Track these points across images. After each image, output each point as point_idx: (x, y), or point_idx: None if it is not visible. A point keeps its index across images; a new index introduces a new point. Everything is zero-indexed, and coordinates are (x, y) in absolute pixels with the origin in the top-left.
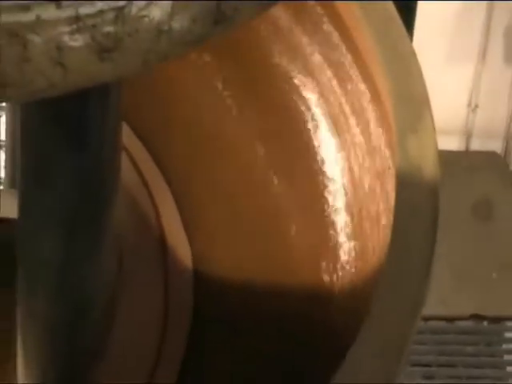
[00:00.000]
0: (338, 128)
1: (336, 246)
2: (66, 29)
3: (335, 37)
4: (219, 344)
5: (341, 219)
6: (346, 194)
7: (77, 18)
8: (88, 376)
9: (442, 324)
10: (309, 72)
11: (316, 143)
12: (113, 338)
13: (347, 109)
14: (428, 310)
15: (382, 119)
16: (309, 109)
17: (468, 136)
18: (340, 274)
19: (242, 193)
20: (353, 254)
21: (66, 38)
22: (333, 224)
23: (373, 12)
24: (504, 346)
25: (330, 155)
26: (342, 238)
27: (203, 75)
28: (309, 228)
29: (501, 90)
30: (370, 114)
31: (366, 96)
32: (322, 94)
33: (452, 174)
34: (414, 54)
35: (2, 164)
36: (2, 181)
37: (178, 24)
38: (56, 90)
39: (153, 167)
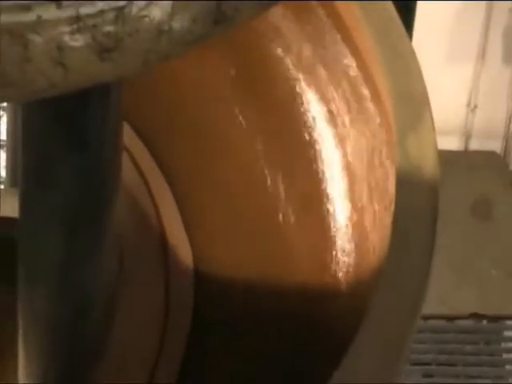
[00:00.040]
0: (338, 128)
1: (336, 246)
2: (67, 29)
3: (335, 37)
4: (219, 344)
5: (341, 219)
6: (346, 193)
7: (77, 18)
8: (88, 376)
9: (442, 323)
10: (309, 72)
11: (316, 143)
12: (113, 337)
13: (347, 108)
14: (428, 309)
15: (382, 119)
16: (309, 109)
17: (467, 136)
18: (340, 273)
19: (242, 193)
20: (352, 253)
21: (66, 38)
22: (333, 224)
23: (373, 12)
24: (503, 345)
25: (330, 155)
26: (341, 237)
27: (204, 75)
28: (309, 228)
29: (500, 90)
30: (370, 113)
31: (366, 96)
32: (322, 94)
33: (451, 174)
34: (413, 53)
35: (3, 164)
36: (3, 180)
37: (178, 24)
38: (57, 90)
39: (154, 167)
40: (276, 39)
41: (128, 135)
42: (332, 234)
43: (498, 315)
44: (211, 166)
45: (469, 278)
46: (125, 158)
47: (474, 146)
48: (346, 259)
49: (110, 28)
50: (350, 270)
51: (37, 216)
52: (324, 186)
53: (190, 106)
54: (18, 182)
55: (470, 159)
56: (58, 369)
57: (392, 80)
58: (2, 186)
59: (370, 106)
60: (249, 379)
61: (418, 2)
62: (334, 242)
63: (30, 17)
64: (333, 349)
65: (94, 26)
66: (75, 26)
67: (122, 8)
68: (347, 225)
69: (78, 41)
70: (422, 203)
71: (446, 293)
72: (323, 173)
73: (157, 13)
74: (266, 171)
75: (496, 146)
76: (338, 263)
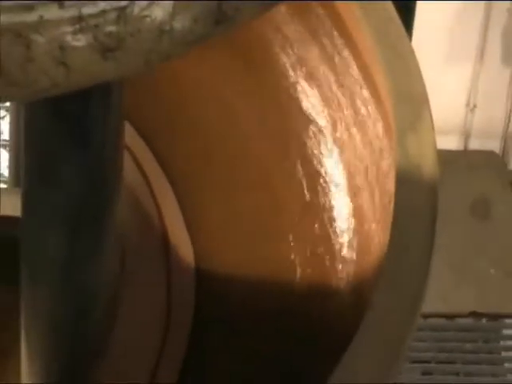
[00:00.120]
0: (338, 127)
1: (335, 244)
2: (69, 29)
3: (335, 37)
4: (219, 342)
5: (340, 218)
6: (346, 192)
7: (79, 18)
8: (90, 376)
9: (442, 321)
10: (309, 72)
11: (316, 143)
12: (114, 337)
13: (347, 108)
14: (427, 307)
15: (382, 118)
16: (309, 109)
17: (466, 135)
18: (339, 272)
19: (242, 192)
20: (352, 252)
21: (68, 38)
22: (332, 222)
23: (372, 12)
24: (502, 343)
25: (330, 155)
26: (340, 236)
27: (205, 75)
28: (308, 227)
29: (499, 90)
30: (370, 113)
31: (366, 95)
32: (323, 94)
33: (451, 173)
34: (413, 53)
35: (6, 163)
36: (6, 179)
37: (179, 24)
38: (59, 90)
39: (156, 167)
40: (276, 39)
41: (130, 135)
42: (331, 232)
43: (497, 313)
44: (212, 166)
45: (468, 277)
46: (127, 157)
47: (473, 145)
48: (345, 258)
49: (111, 28)
50: (349, 268)
51: (39, 215)
52: (324, 184)
53: (191, 105)
54: (21, 181)
55: (469, 159)
56: (61, 368)
57: (392, 80)
58: (5, 186)
59: (370, 105)
60: (248, 378)
61: (418, 2)
62: (334, 241)
63: (32, 17)
64: (332, 347)
65: (96, 25)
66: (77, 26)
67: (123, 8)
68: (347, 223)
69: (80, 41)
70: (421, 202)
71: (446, 291)
72: (323, 172)
73: (158, 13)
74: (267, 171)
75: (495, 145)
76: (337, 262)
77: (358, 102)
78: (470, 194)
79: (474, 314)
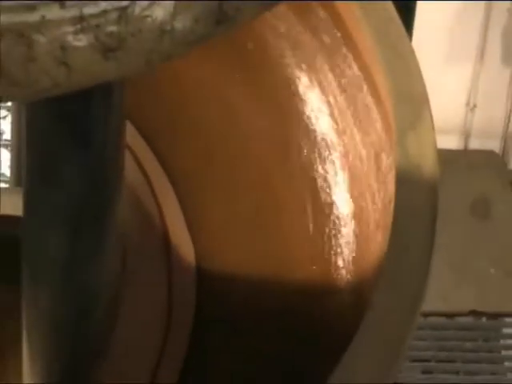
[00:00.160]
0: (339, 127)
1: (335, 244)
2: (70, 29)
3: (335, 37)
4: (220, 342)
5: (340, 217)
6: (346, 191)
7: (81, 18)
8: (91, 376)
9: (442, 320)
10: (310, 72)
11: (317, 143)
12: (116, 337)
13: (347, 108)
14: (428, 306)
15: (382, 118)
16: (310, 109)
17: (466, 135)
18: (339, 271)
19: (243, 192)
20: (352, 251)
21: (70, 38)
22: (332, 222)
23: (373, 12)
24: (502, 342)
25: (331, 155)
26: (341, 236)
27: (206, 75)
28: (309, 226)
29: (499, 90)
30: (370, 113)
31: (366, 95)
32: (323, 94)
33: (451, 173)
34: (413, 53)
35: (8, 163)
36: (8, 179)
37: (180, 24)
38: (60, 90)
39: (157, 167)
40: (277, 39)
41: (131, 134)
42: (331, 232)
43: (497, 312)
44: (212, 166)
45: (468, 276)
46: (128, 157)
47: (473, 145)
48: (345, 257)
49: (112, 28)
50: (350, 268)
51: (41, 215)
52: (324, 184)
53: (192, 105)
54: (23, 180)
55: (469, 158)
56: (62, 369)
57: (392, 80)
58: (7, 185)
59: (370, 105)
60: (249, 378)
61: (418, 2)
62: (334, 241)
63: (34, 17)
64: (332, 346)
65: (97, 26)
66: (79, 26)
67: (124, 8)
68: (347, 223)
69: (81, 41)
70: (421, 202)
71: (446, 290)
72: (323, 172)
73: (159, 13)
74: (267, 171)
75: (495, 145)
76: (337, 261)
77: (358, 102)
78: (470, 193)
79: (473, 313)
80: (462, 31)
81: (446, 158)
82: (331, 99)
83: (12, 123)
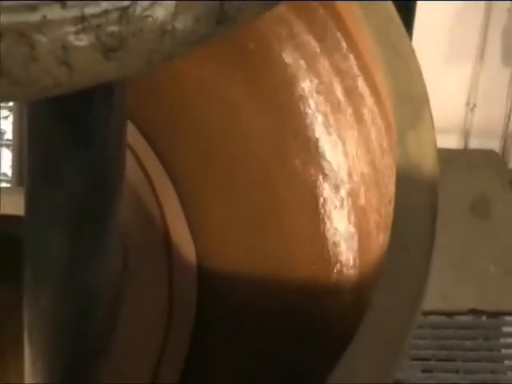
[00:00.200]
0: (339, 127)
1: (336, 244)
2: (72, 29)
3: (335, 37)
4: (222, 342)
5: (340, 217)
6: (346, 192)
7: (82, 18)
8: (92, 376)
9: (442, 319)
10: (310, 72)
11: (317, 143)
12: (117, 337)
13: (347, 108)
14: (428, 305)
15: (382, 118)
16: (310, 108)
17: (466, 135)
18: (339, 271)
19: (243, 192)
20: (352, 251)
21: (71, 38)
22: (332, 222)
23: (373, 12)
24: (502, 340)
25: (331, 155)
26: (341, 235)
27: (206, 75)
28: (309, 225)
29: (498, 90)
30: (370, 112)
31: (367, 95)
32: (324, 94)
33: (451, 172)
34: (413, 53)
35: (10, 162)
36: (10, 179)
37: (181, 24)
38: (61, 89)
39: (158, 166)
40: (277, 39)
41: (132, 134)
42: (332, 232)
43: (497, 311)
44: (213, 166)
45: (468, 275)
46: (129, 157)
47: (473, 144)
48: (345, 257)
49: (114, 28)
50: (350, 268)
51: (42, 214)
52: (325, 184)
53: (193, 105)
54: (24, 180)
55: (468, 157)
56: (63, 368)
57: (392, 80)
58: (9, 185)
59: (371, 105)
60: (250, 377)
61: (418, 2)
62: (334, 240)
63: (35, 17)
64: (332, 346)
65: (99, 25)
66: (80, 26)
67: (126, 8)
68: (347, 223)
69: (82, 41)
70: (421, 202)
71: (446, 289)
72: (324, 172)
73: (160, 13)
74: (268, 171)
75: (494, 144)
76: (337, 261)
77: (359, 102)
78: (469, 192)
79: (473, 312)
80: (461, 31)
81: (445, 157)
82: (331, 99)
83: (13, 123)
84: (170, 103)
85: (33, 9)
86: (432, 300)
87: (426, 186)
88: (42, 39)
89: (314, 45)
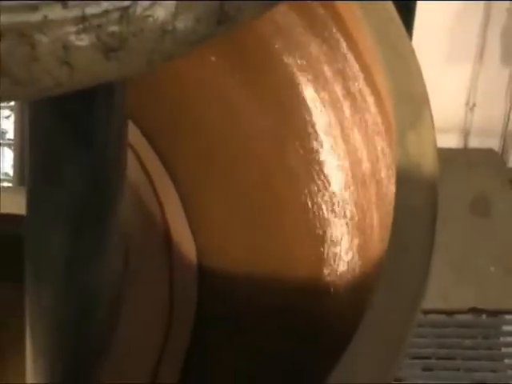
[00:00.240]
0: (340, 127)
1: (336, 244)
2: (73, 29)
3: (336, 37)
4: (222, 340)
5: (342, 215)
6: (347, 192)
7: (83, 18)
8: (93, 376)
9: (442, 317)
10: (310, 72)
11: (318, 143)
12: (117, 337)
13: (348, 108)
14: (428, 303)
15: (382, 118)
16: (311, 109)
17: (466, 134)
18: (340, 270)
19: (244, 192)
20: (352, 251)
21: (72, 38)
22: (333, 221)
23: (373, 12)
24: (502, 339)
25: (332, 155)
26: (341, 235)
27: (207, 75)
28: (309, 226)
29: (498, 90)
30: (371, 112)
31: (367, 95)
32: (324, 94)
33: (450, 171)
34: (413, 53)
35: (11, 162)
36: (11, 178)
37: (182, 24)
38: (62, 89)
39: (159, 166)
40: (278, 40)
41: (133, 134)
42: (332, 231)
43: (497, 310)
44: (214, 166)
45: (468, 275)
46: (130, 156)
47: (473, 143)
48: (345, 257)
49: (114, 28)
50: (350, 267)
51: (43, 214)
52: (325, 184)
53: (193, 105)
54: (25, 179)
55: (468, 157)
56: (64, 368)
57: (392, 80)
58: (10, 184)
59: (371, 105)
60: (250, 375)
61: (418, 2)
62: (334, 240)
63: (36, 17)
64: (332, 346)
65: (99, 25)
66: (81, 26)
67: (126, 8)
68: (347, 222)
69: (83, 40)
70: (421, 202)
71: (446, 288)
72: (324, 172)
73: (161, 13)
74: (268, 171)
75: (494, 143)
76: (337, 261)
77: (359, 102)
78: (469, 191)
79: (473, 311)
80: (461, 31)
81: (445, 156)
82: (332, 99)
83: (15, 122)
84: (171, 103)
85: (34, 9)
86: (432, 299)
87: (426, 185)
88: (42, 39)
89: (313, 45)
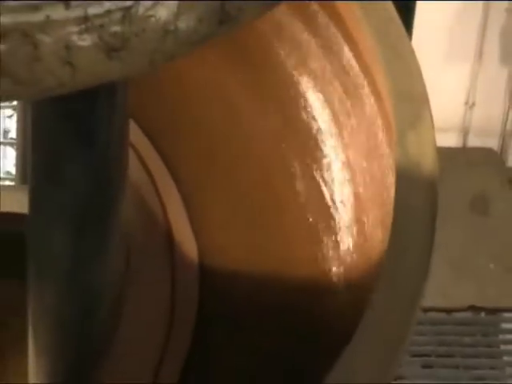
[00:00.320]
0: (340, 127)
1: (336, 242)
2: (75, 29)
3: (336, 37)
4: (223, 339)
5: (341, 216)
6: (347, 191)
7: (85, 18)
8: (94, 375)
9: (441, 315)
10: (311, 72)
11: (318, 143)
12: (119, 337)
13: (348, 108)
14: (427, 301)
15: (382, 118)
16: (311, 109)
17: (465, 133)
18: (340, 270)
19: (245, 192)
20: (353, 250)
21: (74, 38)
22: (333, 221)
23: (373, 12)
24: (500, 337)
25: (332, 154)
26: (341, 235)
27: (208, 75)
28: (309, 224)
29: (497, 89)
30: (371, 112)
31: (367, 95)
32: (324, 94)
33: (450, 170)
34: (413, 53)
35: (14, 161)
36: (14, 177)
37: (183, 24)
38: (65, 89)
39: (161, 166)
40: (278, 40)
41: (135, 133)
42: (332, 231)
43: (496, 308)
44: (215, 166)
45: (467, 273)
46: (132, 156)
47: (472, 143)
48: (345, 256)
49: (116, 28)
50: (350, 267)
51: (45, 213)
52: (326, 184)
53: (195, 105)
54: (28, 178)
55: (467, 156)
56: (66, 368)
57: (392, 79)
58: (13, 183)
59: (371, 105)
60: (251, 374)
61: (418, 2)
62: (334, 240)
63: (38, 17)
64: (332, 345)
65: (101, 25)
66: (83, 26)
67: (128, 8)
68: (347, 221)
69: (85, 40)
70: (421, 201)
71: (445, 286)
72: (325, 171)
73: (163, 13)
74: (269, 171)
75: (493, 143)
76: (337, 260)
77: (359, 102)
78: (468, 190)
79: (472, 308)
80: (460, 31)
81: (445, 155)
82: (332, 99)
83: (17, 122)
84: (172, 103)
85: (36, 9)
86: (431, 297)
87: (426, 184)
88: (45, 39)
89: (314, 45)
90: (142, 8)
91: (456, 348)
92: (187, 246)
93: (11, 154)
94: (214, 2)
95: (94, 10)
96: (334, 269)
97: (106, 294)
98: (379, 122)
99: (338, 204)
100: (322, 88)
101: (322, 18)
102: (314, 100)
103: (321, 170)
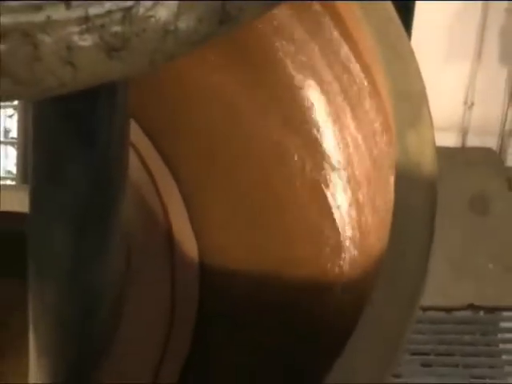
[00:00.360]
0: (340, 127)
1: (336, 242)
2: (76, 29)
3: (336, 36)
4: (223, 337)
5: (341, 216)
6: (347, 190)
7: (86, 19)
8: (95, 375)
9: (440, 314)
10: (311, 72)
11: (318, 142)
12: (120, 336)
13: (348, 108)
14: (427, 300)
15: (382, 117)
16: (311, 109)
17: (464, 133)
18: (339, 268)
19: (245, 191)
20: (352, 249)
21: (75, 38)
22: (333, 221)
23: (373, 12)
24: (499, 336)
25: (332, 153)
26: (341, 234)
27: (209, 75)
28: (309, 225)
29: (496, 88)
30: (370, 112)
31: (366, 95)
32: (324, 94)
33: (449, 170)
34: (412, 53)
35: (15, 160)
36: (15, 176)
37: (184, 24)
38: (66, 89)
39: (161, 166)
40: (278, 40)
41: (135, 133)
42: (332, 230)
43: (495, 306)
44: (215, 166)
45: (467, 272)
46: (133, 156)
47: (471, 142)
48: (345, 255)
49: (117, 28)
50: (350, 265)
51: (46, 213)
52: (325, 184)
53: (195, 106)
54: (29, 178)
55: (466, 155)
56: (67, 368)
57: (392, 79)
58: (14, 182)
59: (371, 104)
60: (252, 372)
61: (417, 2)
62: (334, 239)
63: (39, 17)
64: (332, 343)
65: (102, 26)
66: (84, 26)
67: (129, 8)
68: (347, 220)
69: (86, 41)
70: (420, 200)
71: (445, 285)
72: (325, 171)
73: (163, 13)
74: (269, 171)
75: (492, 142)
76: (337, 259)
77: (359, 102)
78: (467, 190)
79: (472, 307)
80: (460, 31)
81: (444, 155)
82: (332, 99)
83: (18, 121)
84: (173, 103)
85: (37, 9)
86: (431, 296)
87: (426, 183)
88: (46, 39)
89: (313, 45)
90: (142, 8)
91: (455, 347)
92: (187, 246)
93: (12, 154)
94: (214, 2)
95: (94, 10)
96: (334, 268)
97: (106, 293)
98: (379, 121)
99: (338, 203)
100: (321, 87)
101: (322, 18)
102: (314, 100)
103: (321, 170)
